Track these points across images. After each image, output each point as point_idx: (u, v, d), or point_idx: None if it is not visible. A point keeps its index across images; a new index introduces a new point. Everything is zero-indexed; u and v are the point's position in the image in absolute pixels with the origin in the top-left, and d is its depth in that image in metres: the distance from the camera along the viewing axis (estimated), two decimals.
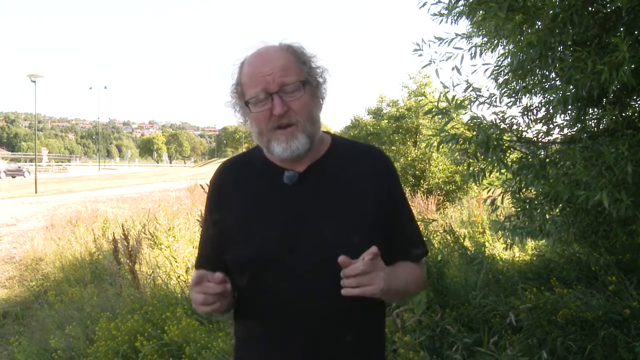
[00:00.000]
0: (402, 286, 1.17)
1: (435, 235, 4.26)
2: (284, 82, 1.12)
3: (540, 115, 3.03)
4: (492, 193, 3.28)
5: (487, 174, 2.83)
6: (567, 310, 2.78)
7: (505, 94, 3.02)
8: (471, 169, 2.79)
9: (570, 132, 2.98)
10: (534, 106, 3.05)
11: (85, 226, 9.11)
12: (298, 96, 1.14)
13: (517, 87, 3.00)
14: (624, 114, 2.66)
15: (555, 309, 2.82)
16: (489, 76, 3.08)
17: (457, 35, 2.95)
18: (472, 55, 3.03)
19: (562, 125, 3.00)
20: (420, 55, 2.91)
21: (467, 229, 6.78)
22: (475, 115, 2.75)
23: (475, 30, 3.06)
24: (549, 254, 4.11)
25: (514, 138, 2.88)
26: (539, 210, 2.93)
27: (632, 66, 2.01)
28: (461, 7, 2.80)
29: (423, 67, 2.99)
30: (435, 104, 2.65)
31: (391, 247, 1.17)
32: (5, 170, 42.68)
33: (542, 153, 2.89)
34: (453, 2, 2.80)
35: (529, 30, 2.49)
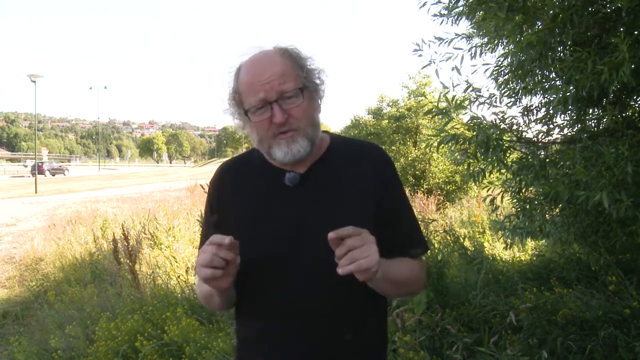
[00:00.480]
0: (400, 275, 1.16)
1: (435, 235, 4.26)
2: (282, 90, 1.12)
3: (540, 115, 3.03)
4: (492, 192, 3.28)
5: (487, 174, 2.83)
6: (567, 310, 2.78)
7: (505, 94, 3.02)
8: (471, 169, 2.79)
9: (570, 132, 2.98)
10: (534, 106, 3.05)
11: (85, 226, 9.11)
12: (297, 103, 1.13)
13: (517, 87, 3.00)
14: (624, 114, 2.66)
15: (555, 309, 2.82)
16: (489, 76, 3.08)
17: (457, 35, 2.95)
18: (472, 55, 3.02)
19: (562, 125, 3.00)
20: (420, 55, 2.91)
21: (467, 229, 6.78)
22: (475, 115, 2.75)
23: (475, 30, 3.06)
24: (549, 254, 4.11)
25: (514, 138, 2.88)
26: (539, 211, 2.93)
27: (632, 66, 2.01)
28: (461, 8, 2.80)
29: (423, 67, 2.99)
30: (435, 104, 2.65)
31: (391, 246, 1.17)
32: (49, 169, 46.38)
33: (542, 153, 2.89)
34: (453, 2, 2.80)
35: (529, 31, 2.49)
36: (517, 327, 2.71)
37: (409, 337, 2.70)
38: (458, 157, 2.78)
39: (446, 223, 6.06)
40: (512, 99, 3.04)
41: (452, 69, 2.71)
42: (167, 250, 5.87)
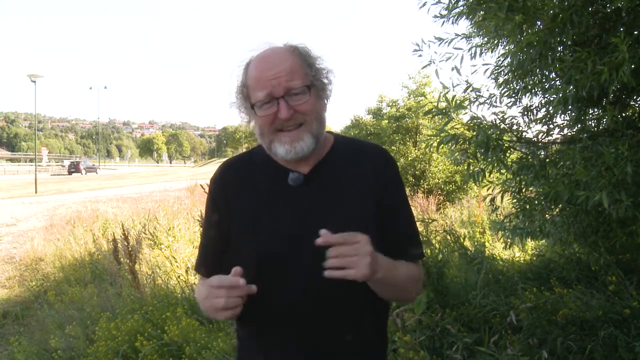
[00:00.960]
0: (399, 279, 1.17)
1: (435, 235, 4.26)
2: (290, 87, 1.13)
3: (540, 115, 3.03)
4: (492, 191, 3.28)
5: (487, 174, 2.83)
6: (567, 310, 2.78)
7: (505, 94, 3.02)
8: (471, 169, 2.79)
9: (570, 132, 2.98)
10: (534, 106, 3.05)
11: (85, 226, 9.11)
12: (304, 100, 1.14)
13: (517, 87, 3.00)
14: (624, 114, 2.66)
15: (555, 309, 2.82)
16: (489, 76, 3.08)
17: (457, 35, 2.95)
18: (472, 55, 3.02)
19: (562, 125, 3.00)
20: (420, 55, 2.91)
21: (467, 229, 6.79)
22: (475, 115, 2.75)
23: (475, 30, 3.06)
24: (549, 254, 4.11)
25: (514, 138, 2.88)
26: (539, 211, 2.93)
27: (632, 66, 2.01)
28: (461, 8, 2.80)
29: (423, 68, 2.99)
30: (435, 104, 2.65)
31: (390, 245, 1.17)
32: (85, 168, 50.72)
33: (542, 153, 2.89)
34: (453, 2, 2.80)
35: (529, 31, 2.49)
36: (517, 327, 2.71)
37: (409, 337, 2.70)
38: (458, 157, 2.78)
39: (446, 223, 6.07)
40: (512, 99, 3.04)
41: (452, 69, 2.71)
42: (167, 250, 5.86)
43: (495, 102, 2.97)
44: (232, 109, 1.23)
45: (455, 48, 2.91)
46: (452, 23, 2.95)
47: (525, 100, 3.05)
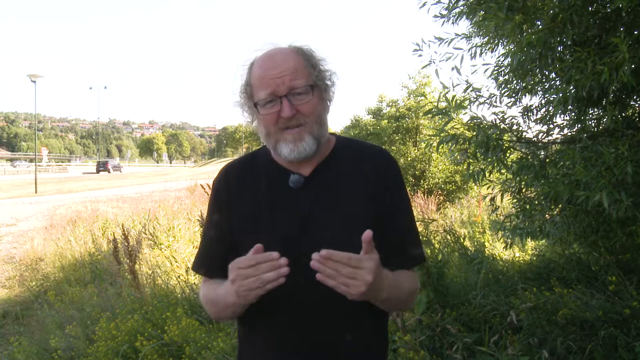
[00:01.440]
0: (401, 295, 1.18)
1: (435, 235, 4.26)
2: (293, 86, 1.14)
3: (540, 115, 3.03)
4: (492, 190, 3.28)
5: (487, 174, 2.83)
6: (567, 310, 2.78)
7: (505, 94, 3.02)
8: (471, 169, 2.79)
9: (570, 132, 2.98)
10: (534, 106, 3.05)
11: (85, 226, 9.11)
12: (307, 99, 1.15)
13: (517, 87, 3.00)
14: (624, 114, 2.66)
15: (555, 309, 2.82)
16: (489, 76, 3.08)
17: (457, 35, 2.95)
18: (472, 55, 3.03)
19: (562, 125, 3.00)
20: (420, 55, 2.92)
21: (467, 229, 6.79)
22: (475, 115, 2.75)
23: (475, 30, 3.06)
24: (549, 254, 4.11)
25: (514, 138, 2.88)
26: (539, 211, 2.93)
27: (632, 66, 2.01)
28: (461, 8, 2.81)
29: (423, 67, 2.99)
30: (435, 104, 2.65)
31: (389, 247, 1.16)
32: (112, 167, 55.08)
33: (542, 153, 2.90)
34: (453, 2, 2.80)
35: (529, 30, 2.49)
36: (517, 327, 2.71)
37: (409, 337, 2.69)
38: (458, 157, 2.78)
39: (446, 223, 6.07)
40: (512, 99, 3.04)
41: (452, 69, 2.72)
42: (167, 250, 5.87)
43: (495, 102, 2.97)
44: (235, 108, 1.24)
45: (455, 48, 2.91)
46: (452, 23, 2.95)
47: (525, 100, 3.05)
